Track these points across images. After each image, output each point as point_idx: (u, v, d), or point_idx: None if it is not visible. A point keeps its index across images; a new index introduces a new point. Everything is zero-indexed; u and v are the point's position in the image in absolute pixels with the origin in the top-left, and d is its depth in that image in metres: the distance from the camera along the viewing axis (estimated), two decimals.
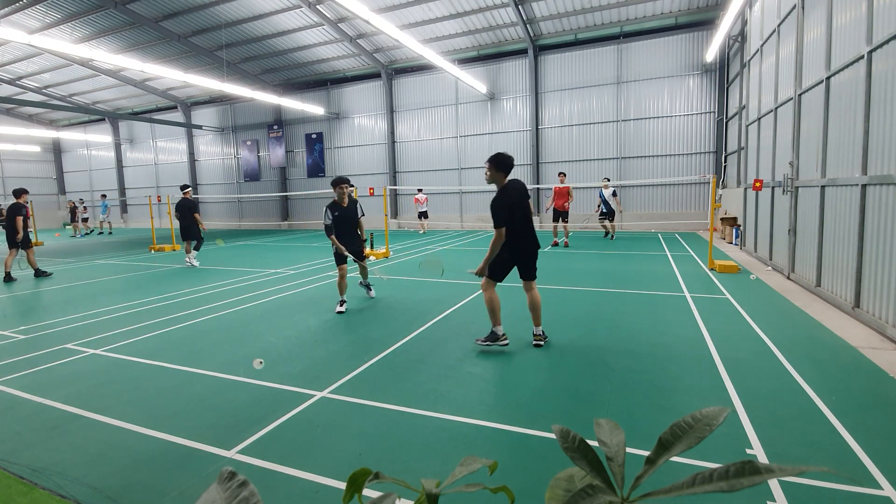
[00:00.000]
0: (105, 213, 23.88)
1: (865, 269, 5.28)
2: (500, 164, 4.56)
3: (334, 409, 3.48)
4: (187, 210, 11.13)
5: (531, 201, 5.08)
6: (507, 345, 4.70)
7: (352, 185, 6.78)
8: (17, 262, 10.40)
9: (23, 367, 4.54)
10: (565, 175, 13.05)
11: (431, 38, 18.70)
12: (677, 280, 7.89)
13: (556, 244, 13.07)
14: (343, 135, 23.38)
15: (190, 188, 11.61)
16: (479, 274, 4.84)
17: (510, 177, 4.70)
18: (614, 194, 14.12)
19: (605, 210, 14.31)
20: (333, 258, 6.69)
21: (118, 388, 3.96)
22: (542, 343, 4.77)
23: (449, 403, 3.50)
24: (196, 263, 11.05)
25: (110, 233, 24.48)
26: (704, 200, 16.97)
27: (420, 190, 18.58)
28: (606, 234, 15.26)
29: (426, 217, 18.53)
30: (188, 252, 11.20)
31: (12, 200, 9.92)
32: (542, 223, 19.20)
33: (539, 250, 4.88)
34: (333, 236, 6.40)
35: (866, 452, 2.72)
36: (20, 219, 9.60)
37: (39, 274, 10.11)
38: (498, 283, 4.82)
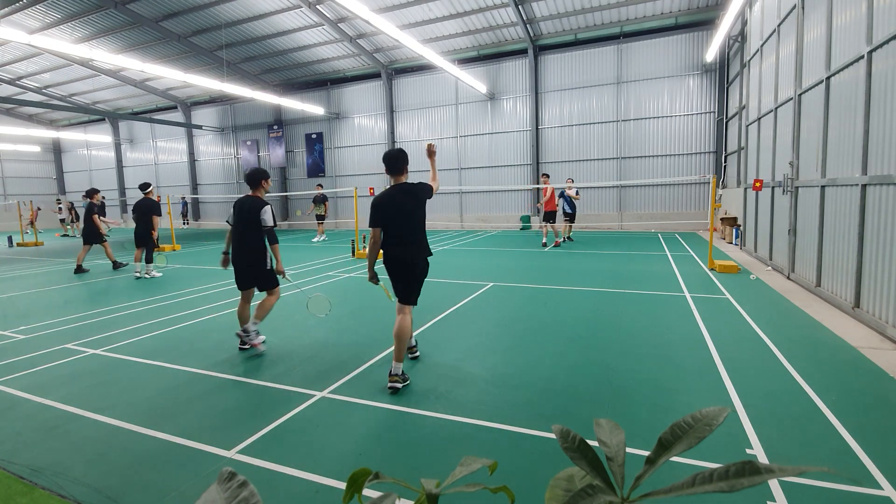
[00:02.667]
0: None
1: (865, 269, 5.28)
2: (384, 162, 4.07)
3: (334, 409, 3.48)
4: (146, 212, 9.69)
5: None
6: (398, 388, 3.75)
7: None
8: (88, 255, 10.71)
9: (23, 367, 4.54)
10: (548, 176, 13.07)
11: (431, 38, 18.70)
12: (677, 280, 7.89)
13: (545, 245, 13.01)
14: (343, 135, 23.38)
15: (152, 187, 10.08)
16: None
17: (411, 179, 4.08)
18: (577, 194, 13.70)
19: (568, 211, 13.89)
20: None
21: (118, 388, 3.96)
22: (398, 387, 3.73)
23: (449, 403, 3.50)
24: (157, 274, 9.81)
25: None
26: (704, 200, 16.97)
27: None
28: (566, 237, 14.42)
29: None
30: (137, 260, 9.72)
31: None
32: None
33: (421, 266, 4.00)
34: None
35: (866, 452, 2.72)
36: (96, 217, 10.43)
37: (117, 266, 10.82)
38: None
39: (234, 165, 26.73)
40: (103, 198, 11.76)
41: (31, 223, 20.23)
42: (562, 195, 13.76)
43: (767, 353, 4.38)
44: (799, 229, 7.46)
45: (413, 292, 3.98)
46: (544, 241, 13.16)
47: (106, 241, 10.63)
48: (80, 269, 10.38)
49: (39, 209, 22.87)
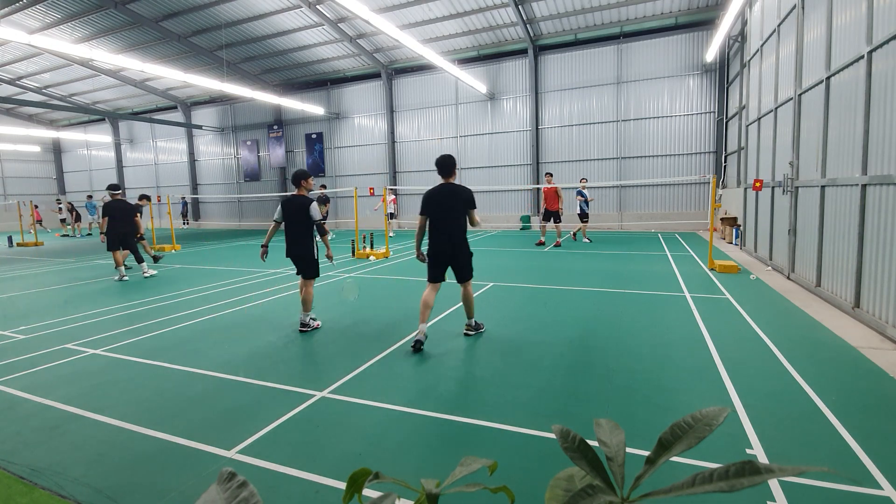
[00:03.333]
0: (94, 214, 23.71)
1: (865, 269, 5.28)
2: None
3: (334, 409, 3.48)
4: (129, 213, 9.54)
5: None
6: (420, 346, 4.68)
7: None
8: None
9: (23, 367, 4.54)
10: (552, 175, 13.04)
11: (431, 38, 18.70)
12: (677, 280, 7.89)
13: (541, 243, 13.02)
14: (343, 135, 23.39)
15: (120, 189, 9.80)
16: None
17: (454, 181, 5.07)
18: (578, 194, 13.69)
19: (587, 211, 13.98)
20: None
21: (118, 388, 3.96)
22: (471, 332, 5.11)
23: (449, 403, 3.50)
24: (152, 272, 9.69)
25: (103, 233, 24.21)
26: (704, 200, 16.98)
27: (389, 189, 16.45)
28: (575, 236, 14.96)
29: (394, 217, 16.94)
30: (120, 265, 9.34)
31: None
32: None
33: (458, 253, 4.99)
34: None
35: (866, 452, 2.72)
36: (138, 217, 10.65)
37: (156, 259, 11.28)
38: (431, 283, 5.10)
39: (234, 165, 26.74)
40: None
41: (39, 222, 20.20)
42: (579, 193, 13.64)
43: (767, 353, 4.38)
44: (799, 229, 7.46)
45: (462, 274, 5.01)
46: (541, 239, 13.15)
47: (143, 240, 10.80)
48: (124, 271, 9.96)
49: (37, 206, 22.64)
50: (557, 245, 13.01)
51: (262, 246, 5.49)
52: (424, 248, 5.10)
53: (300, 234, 5.46)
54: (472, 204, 5.00)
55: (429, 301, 4.86)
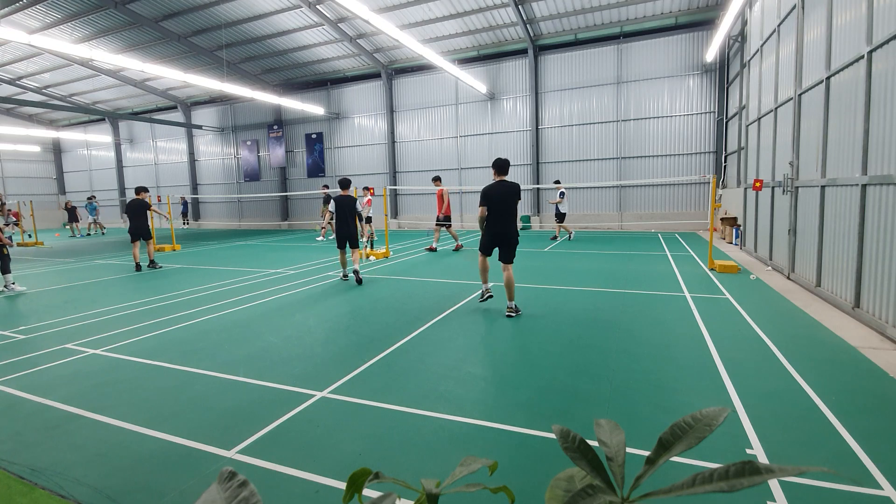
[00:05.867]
0: (94, 214, 23.72)
1: (865, 269, 5.28)
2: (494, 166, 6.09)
3: (334, 409, 3.48)
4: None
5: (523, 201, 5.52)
6: (490, 297, 6.31)
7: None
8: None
9: (23, 367, 4.54)
10: (440, 180, 12.74)
11: (431, 38, 18.70)
12: (677, 280, 7.89)
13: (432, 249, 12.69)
14: (343, 135, 23.39)
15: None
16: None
17: (507, 178, 6.03)
18: (561, 195, 14.00)
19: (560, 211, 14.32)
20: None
21: (118, 388, 3.96)
22: (513, 315, 5.93)
23: (449, 403, 3.50)
24: (21, 288, 8.40)
25: (103, 233, 24.25)
26: (704, 200, 16.98)
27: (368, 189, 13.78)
28: (554, 237, 15.25)
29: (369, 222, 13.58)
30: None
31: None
32: (543, 223, 19.24)
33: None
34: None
35: (866, 452, 2.72)
36: (154, 208, 11.19)
37: (152, 265, 11.05)
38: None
39: (234, 165, 26.74)
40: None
41: (16, 222, 19.77)
42: (561, 195, 14.01)
43: (767, 353, 4.38)
44: (799, 229, 7.46)
45: (508, 254, 6.07)
46: (435, 245, 12.81)
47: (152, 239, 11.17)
48: (140, 267, 10.73)
49: (11, 208, 21.83)
50: (432, 249, 12.69)
51: (322, 228, 7.33)
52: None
53: (351, 223, 8.44)
54: (519, 195, 6.14)
55: (486, 265, 6.31)
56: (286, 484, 2.59)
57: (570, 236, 14.76)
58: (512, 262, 6.07)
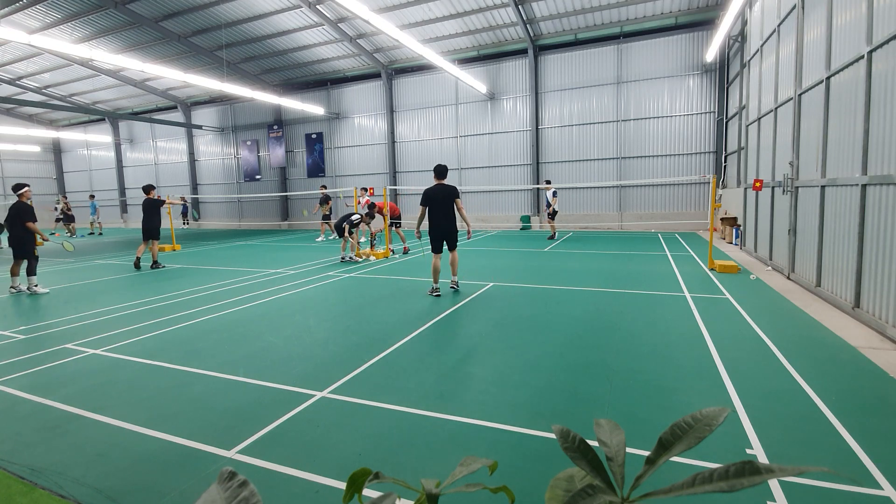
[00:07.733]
0: (94, 213, 23.63)
1: (865, 269, 5.28)
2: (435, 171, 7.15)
3: (334, 409, 3.48)
4: (16, 216, 8.22)
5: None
6: (437, 295, 7.03)
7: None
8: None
9: (23, 367, 4.54)
10: (373, 189, 13.36)
11: (431, 38, 18.70)
12: (677, 280, 7.89)
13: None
14: (343, 135, 23.39)
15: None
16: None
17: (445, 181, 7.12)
18: (554, 195, 14.59)
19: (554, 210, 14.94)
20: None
21: (118, 388, 3.96)
22: (455, 288, 7.28)
23: (449, 403, 3.50)
24: (44, 290, 8.30)
25: (100, 233, 24.09)
26: (704, 200, 16.98)
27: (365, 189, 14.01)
28: (551, 236, 15.47)
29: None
30: (16, 274, 8.28)
31: (10, 202, 10.14)
32: (542, 223, 19.24)
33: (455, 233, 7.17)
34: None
35: (866, 452, 2.72)
36: (169, 199, 11.46)
37: (156, 265, 10.93)
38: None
39: (234, 165, 26.74)
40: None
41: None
42: (554, 195, 14.64)
43: (767, 353, 4.38)
44: (799, 229, 7.46)
45: (452, 244, 7.19)
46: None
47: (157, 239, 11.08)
48: (140, 265, 10.84)
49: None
50: (405, 251, 12.76)
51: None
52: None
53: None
54: (457, 193, 7.10)
55: (437, 266, 7.16)
56: (286, 484, 2.59)
57: (553, 235, 15.26)
58: (455, 249, 7.28)
